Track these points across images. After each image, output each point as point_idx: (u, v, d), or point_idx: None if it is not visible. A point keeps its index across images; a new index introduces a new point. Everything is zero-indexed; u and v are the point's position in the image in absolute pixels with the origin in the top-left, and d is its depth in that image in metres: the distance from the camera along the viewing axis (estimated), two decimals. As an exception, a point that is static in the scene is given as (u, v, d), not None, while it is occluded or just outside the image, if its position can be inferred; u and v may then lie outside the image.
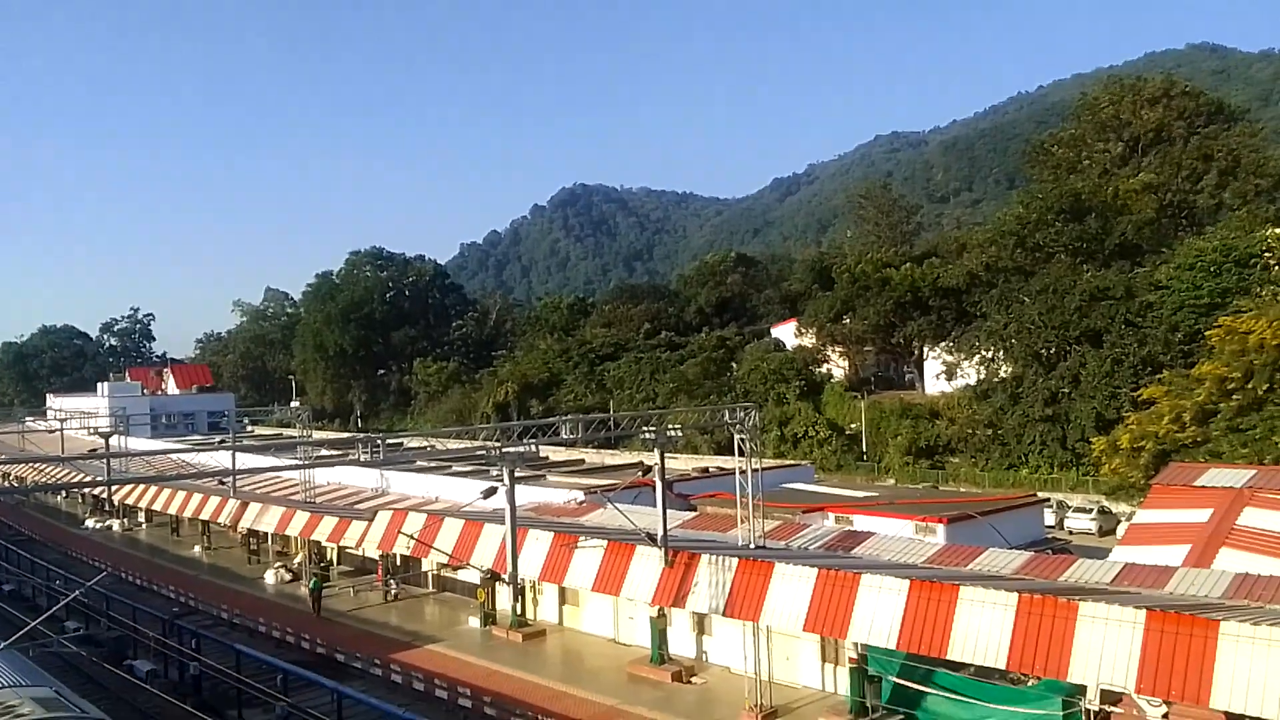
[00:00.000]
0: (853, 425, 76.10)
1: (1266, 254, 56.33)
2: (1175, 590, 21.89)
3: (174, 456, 62.25)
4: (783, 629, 24.12)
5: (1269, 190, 75.56)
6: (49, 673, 20.07)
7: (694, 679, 26.43)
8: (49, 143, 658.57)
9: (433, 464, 49.82)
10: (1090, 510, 50.34)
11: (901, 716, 22.27)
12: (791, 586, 23.20)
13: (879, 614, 21.35)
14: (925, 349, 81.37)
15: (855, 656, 22.64)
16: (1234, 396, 44.80)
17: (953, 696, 21.58)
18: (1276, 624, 16.64)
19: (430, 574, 38.52)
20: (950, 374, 74.32)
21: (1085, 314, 61.33)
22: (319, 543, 41.31)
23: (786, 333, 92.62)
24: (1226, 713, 17.14)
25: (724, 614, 24.60)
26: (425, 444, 63.50)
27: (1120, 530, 41.31)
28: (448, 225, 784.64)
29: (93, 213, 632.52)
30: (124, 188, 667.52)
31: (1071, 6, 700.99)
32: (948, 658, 20.40)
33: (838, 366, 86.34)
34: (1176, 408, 46.32)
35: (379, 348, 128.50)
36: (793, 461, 59.47)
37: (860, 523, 33.90)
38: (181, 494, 51.28)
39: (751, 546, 27.29)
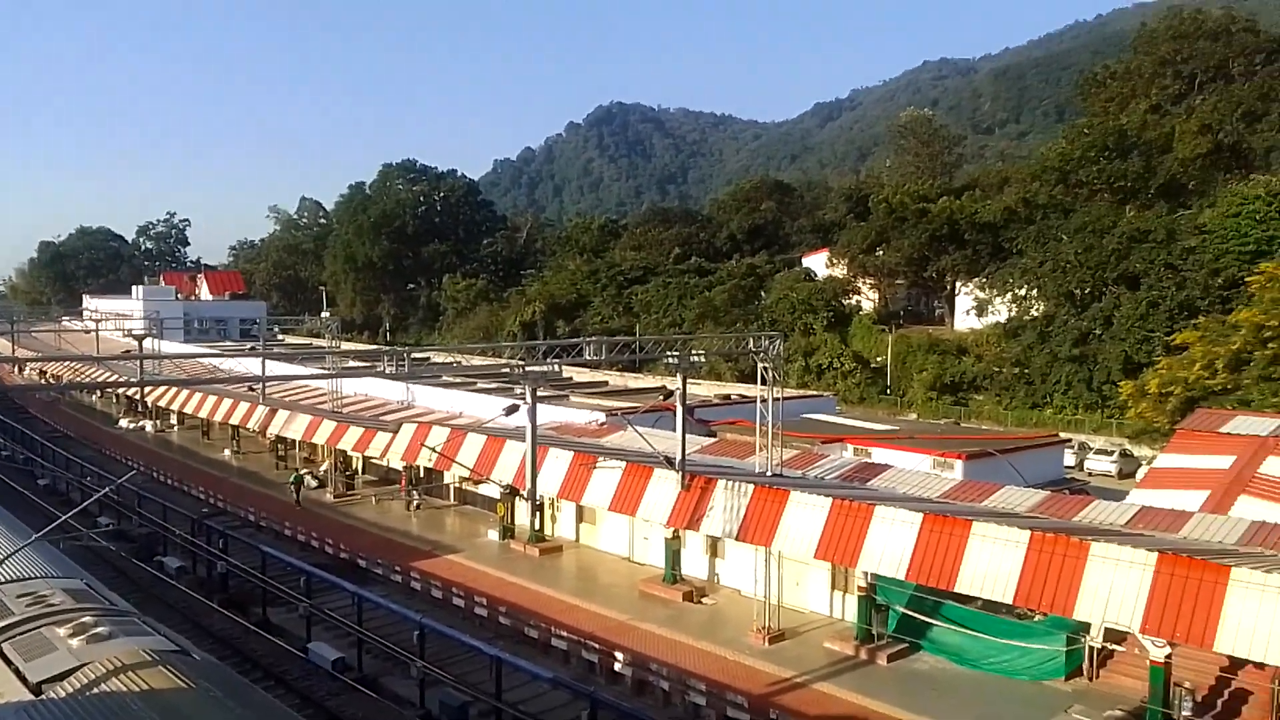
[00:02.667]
0: (879, 358, 75.67)
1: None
2: (1189, 535, 21.87)
3: (205, 361, 63.42)
4: (794, 555, 24.42)
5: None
6: (80, 566, 20.70)
7: (704, 599, 26.95)
8: (86, 41, 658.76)
9: (458, 380, 50.31)
10: (1112, 453, 50.07)
11: (906, 645, 22.66)
12: (805, 514, 23.40)
13: (890, 545, 21.52)
14: (958, 284, 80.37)
15: (864, 585, 22.95)
16: (1270, 345, 43.93)
17: (959, 629, 21.90)
18: (1288, 573, 16.59)
19: (451, 487, 39.24)
20: (981, 310, 73.60)
21: (1123, 255, 60.13)
22: (344, 451, 42.10)
23: (818, 262, 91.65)
24: (1230, 656, 17.26)
25: (737, 538, 24.93)
26: (451, 359, 63.99)
27: (1140, 474, 41.17)
28: (483, 141, 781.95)
29: (131, 114, 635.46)
30: (165, 90, 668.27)
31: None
32: (956, 591, 20.62)
33: (867, 299, 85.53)
34: (1210, 354, 45.56)
35: (409, 262, 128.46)
36: (816, 392, 59.34)
37: (879, 455, 33.96)
38: (212, 398, 52.39)
39: (768, 474, 27.50)
